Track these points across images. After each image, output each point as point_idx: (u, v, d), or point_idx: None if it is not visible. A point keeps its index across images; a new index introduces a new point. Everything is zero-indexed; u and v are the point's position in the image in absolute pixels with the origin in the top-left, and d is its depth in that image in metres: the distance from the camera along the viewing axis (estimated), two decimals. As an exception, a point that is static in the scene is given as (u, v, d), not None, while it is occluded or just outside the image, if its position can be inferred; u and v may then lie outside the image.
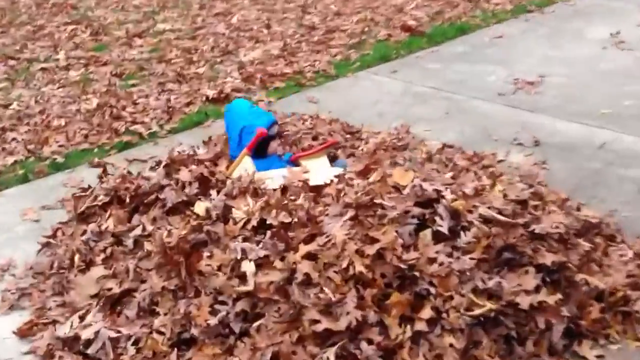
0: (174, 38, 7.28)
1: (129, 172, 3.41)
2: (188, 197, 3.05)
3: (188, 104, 5.50)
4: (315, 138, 4.03)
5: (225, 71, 6.21)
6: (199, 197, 3.08)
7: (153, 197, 3.05)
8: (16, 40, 7.33)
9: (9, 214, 4.03)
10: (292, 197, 3.03)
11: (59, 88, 5.98)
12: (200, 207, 2.96)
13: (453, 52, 6.63)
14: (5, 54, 6.90)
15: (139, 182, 3.14)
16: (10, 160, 4.63)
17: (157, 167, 3.48)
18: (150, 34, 7.49)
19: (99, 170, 3.61)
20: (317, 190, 3.14)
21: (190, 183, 3.09)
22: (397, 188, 2.95)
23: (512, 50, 6.49)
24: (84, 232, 3.09)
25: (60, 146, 4.80)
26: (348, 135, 4.11)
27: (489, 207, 2.86)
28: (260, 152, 3.57)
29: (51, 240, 3.42)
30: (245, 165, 3.36)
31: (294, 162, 3.54)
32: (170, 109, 5.35)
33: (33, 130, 5.10)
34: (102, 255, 2.99)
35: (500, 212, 2.84)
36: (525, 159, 4.29)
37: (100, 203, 3.16)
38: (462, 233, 2.74)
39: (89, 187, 3.41)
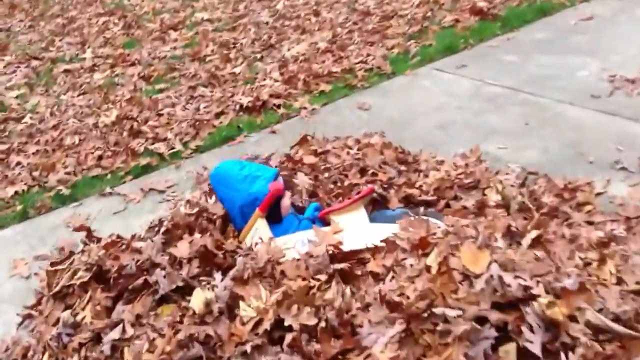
0: (211, 29, 6.52)
1: (119, 237, 2.67)
2: (185, 281, 2.29)
3: (219, 114, 4.74)
4: (363, 171, 3.18)
5: (264, 70, 5.41)
6: (200, 278, 2.31)
7: (141, 280, 2.32)
8: (43, 37, 6.76)
9: (-4, 266, 3.41)
10: (319, 279, 2.23)
11: (79, 95, 5.34)
12: (197, 300, 2.20)
13: (533, 39, 5.58)
14: (30, 53, 6.32)
15: (126, 257, 2.40)
16: (10, 191, 4.00)
17: (157, 226, 2.75)
18: (186, 25, 6.77)
19: (84, 233, 2.85)
20: (354, 256, 2.34)
21: (189, 260, 2.34)
22: (467, 276, 2.09)
23: (604, 37, 5.39)
24: (57, 320, 2.40)
25: (67, 173, 4.14)
26: (402, 167, 3.25)
27: (600, 310, 1.98)
28: (273, 216, 2.73)
29: (32, 312, 2.75)
30: (259, 232, 2.56)
31: (322, 220, 2.72)
32: (197, 123, 4.60)
33: (42, 151, 4.46)
34: (76, 357, 2.28)
35: (617, 318, 1.96)
36: (631, 190, 3.31)
37: (78, 282, 2.45)
38: (562, 355, 1.88)
39: (71, 254, 2.70)
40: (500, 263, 2.09)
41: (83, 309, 2.38)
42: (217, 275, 2.27)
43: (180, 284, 2.27)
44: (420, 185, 3.11)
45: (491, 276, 2.03)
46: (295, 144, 3.51)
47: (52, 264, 2.68)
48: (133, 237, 2.65)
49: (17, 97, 5.36)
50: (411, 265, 2.21)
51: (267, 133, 4.56)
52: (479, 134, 4.06)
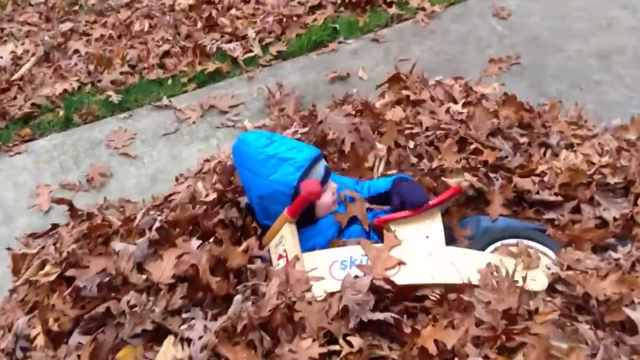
0: None
1: (104, 221, 1.97)
2: (157, 324, 1.59)
3: (315, 8, 3.80)
4: (462, 143, 2.23)
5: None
6: (184, 316, 1.61)
7: (103, 309, 1.66)
8: None
9: (18, 190, 2.91)
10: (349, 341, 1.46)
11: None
12: (165, 357, 1.51)
13: None
14: None
15: (97, 264, 1.72)
16: (59, 88, 3.41)
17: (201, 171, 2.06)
18: None
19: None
20: (409, 293, 1.56)
21: (172, 287, 1.63)
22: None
23: None
24: (11, 326, 1.83)
25: (123, 73, 3.47)
26: (522, 138, 2.23)
27: None
28: (306, 218, 1.83)
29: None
30: (285, 242, 1.73)
31: (378, 230, 1.84)
32: (285, 20, 3.70)
33: (106, 37, 3.80)
34: (27, 383, 1.73)
35: None
36: None
37: (43, 282, 1.84)
38: None
39: (53, 227, 2.07)
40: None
41: (44, 320, 1.77)
42: (198, 322, 1.55)
43: (149, 327, 1.58)
44: (542, 174, 2.13)
45: None
46: (383, 83, 2.58)
47: (30, 236, 2.08)
48: (129, 220, 1.94)
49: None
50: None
51: (369, 40, 3.59)
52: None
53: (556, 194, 2.07)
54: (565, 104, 2.64)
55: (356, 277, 1.61)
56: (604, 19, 3.43)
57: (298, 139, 2.14)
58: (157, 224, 1.81)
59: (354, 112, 2.37)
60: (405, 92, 2.51)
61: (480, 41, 3.48)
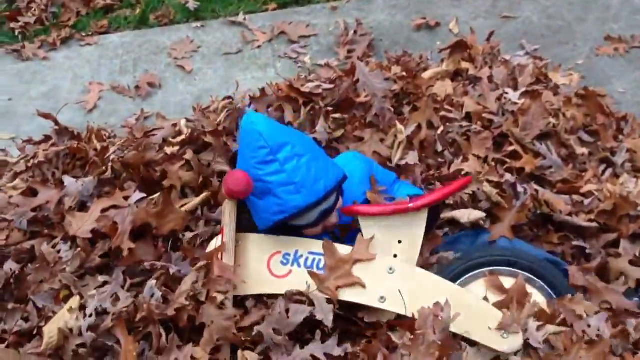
0: None
1: (80, 146, 1.82)
2: (65, 285, 1.47)
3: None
4: (501, 141, 1.86)
5: None
6: (101, 276, 1.49)
7: (33, 243, 1.56)
8: None
9: (75, 82, 2.90)
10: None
11: None
12: (53, 326, 1.40)
13: None
14: None
15: (45, 195, 1.62)
16: (144, -18, 3.33)
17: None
18: None
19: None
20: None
21: (91, 242, 1.49)
22: None
23: None
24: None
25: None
26: (584, 148, 1.82)
27: None
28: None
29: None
30: (224, 218, 1.47)
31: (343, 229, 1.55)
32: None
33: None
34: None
35: None
36: None
37: (8, 197, 1.78)
38: None
39: (46, 138, 1.97)
40: None
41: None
42: (110, 288, 1.42)
43: (57, 286, 1.46)
44: (587, 194, 1.76)
45: None
46: (446, 47, 2.21)
47: (26, 142, 2.03)
48: (105, 149, 1.80)
49: None
50: None
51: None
52: None
53: (591, 220, 1.70)
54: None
55: (292, 298, 1.41)
56: None
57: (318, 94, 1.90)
58: (109, 163, 1.68)
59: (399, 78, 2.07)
60: (465, 65, 2.15)
61: (607, 11, 2.93)
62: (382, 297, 1.42)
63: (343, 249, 1.47)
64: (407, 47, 2.77)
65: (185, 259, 1.49)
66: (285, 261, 1.48)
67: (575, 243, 1.69)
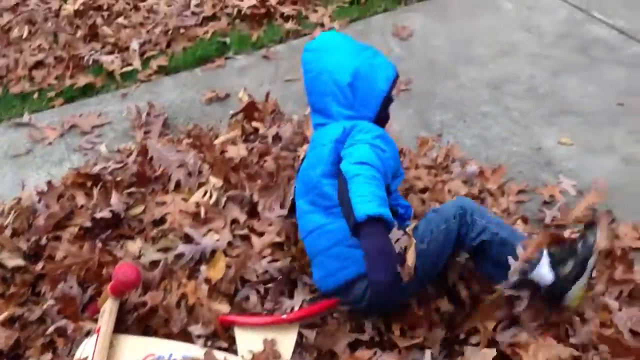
0: None
1: None
2: None
3: (208, 20, 3.55)
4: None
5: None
6: None
7: None
8: None
9: None
10: None
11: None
12: None
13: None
14: None
15: None
16: None
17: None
18: None
19: None
20: None
21: None
22: None
23: None
24: None
25: (-14, 83, 3.18)
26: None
27: None
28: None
29: None
30: (103, 317, 1.41)
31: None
32: (171, 32, 3.44)
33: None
34: None
35: None
36: None
37: None
38: None
39: None
40: None
41: None
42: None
43: None
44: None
45: None
46: (238, 112, 2.31)
47: None
48: None
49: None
50: None
51: (259, 57, 3.34)
52: (545, 109, 2.71)
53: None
54: (446, 135, 2.42)
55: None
56: (507, 44, 3.22)
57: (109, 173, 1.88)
58: None
59: (192, 146, 2.12)
60: (256, 124, 2.27)
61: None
62: None
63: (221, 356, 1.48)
64: (201, 120, 2.84)
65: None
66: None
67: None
